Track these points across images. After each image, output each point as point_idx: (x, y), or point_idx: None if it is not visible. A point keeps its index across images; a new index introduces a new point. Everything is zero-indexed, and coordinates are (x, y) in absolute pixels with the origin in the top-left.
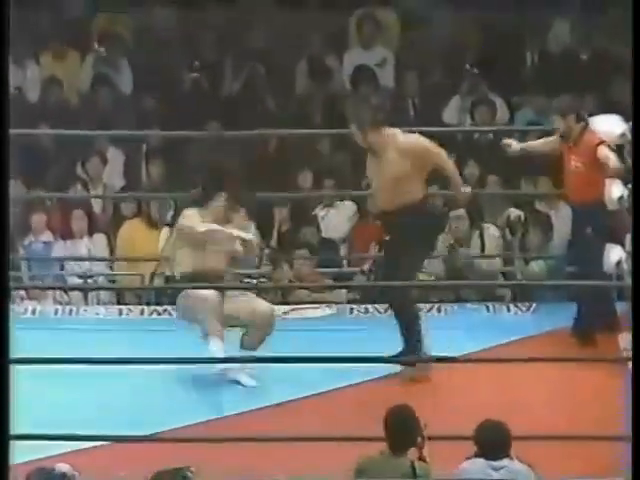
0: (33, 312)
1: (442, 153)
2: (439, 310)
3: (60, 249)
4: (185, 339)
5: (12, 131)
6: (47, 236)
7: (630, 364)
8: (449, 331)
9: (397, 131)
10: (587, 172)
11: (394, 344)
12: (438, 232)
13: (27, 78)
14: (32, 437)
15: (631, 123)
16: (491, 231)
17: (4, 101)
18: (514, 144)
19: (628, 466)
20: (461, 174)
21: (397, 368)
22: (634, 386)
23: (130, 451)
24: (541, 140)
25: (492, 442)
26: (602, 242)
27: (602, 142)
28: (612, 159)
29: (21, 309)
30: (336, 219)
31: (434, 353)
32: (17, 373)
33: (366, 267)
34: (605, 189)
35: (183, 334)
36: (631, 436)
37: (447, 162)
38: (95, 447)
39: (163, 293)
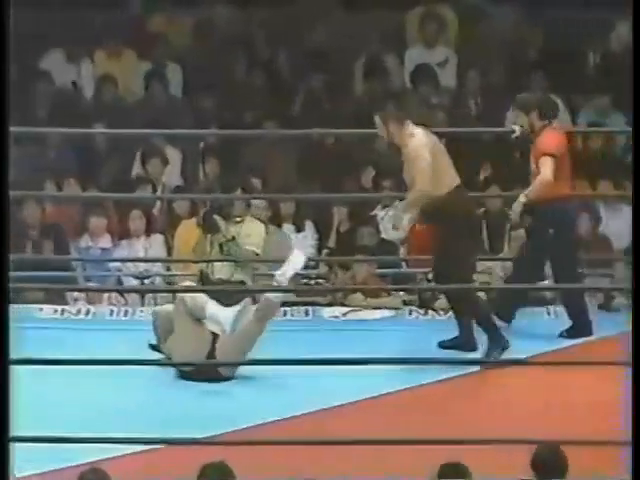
0: (87, 313)
1: (421, 171)
2: None
3: (118, 255)
4: None
5: (68, 130)
6: (106, 241)
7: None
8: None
9: (419, 130)
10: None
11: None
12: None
13: (82, 76)
14: (32, 440)
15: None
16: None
17: (4, 101)
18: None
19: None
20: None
21: (467, 369)
22: (634, 388)
23: (182, 454)
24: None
25: (549, 468)
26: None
27: (547, 154)
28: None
29: (74, 310)
30: (395, 220)
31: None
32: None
33: (431, 275)
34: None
35: None
36: (631, 440)
37: (420, 182)
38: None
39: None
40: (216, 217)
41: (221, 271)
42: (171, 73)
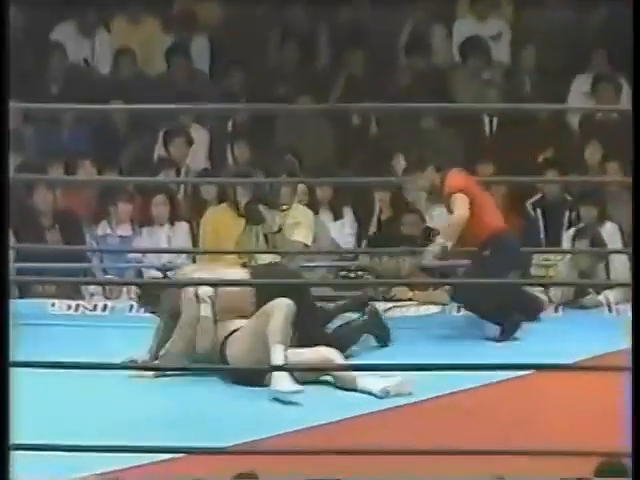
0: (104, 309)
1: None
2: (556, 310)
3: (139, 244)
4: None
5: (81, 107)
6: (125, 229)
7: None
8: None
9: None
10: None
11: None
12: None
13: (96, 49)
14: (34, 448)
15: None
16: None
17: (4, 97)
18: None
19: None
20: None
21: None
22: (634, 391)
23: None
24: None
25: None
26: None
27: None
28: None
29: (90, 306)
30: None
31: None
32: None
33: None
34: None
35: None
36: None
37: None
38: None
39: None
40: (261, 207)
41: None
42: (197, 46)
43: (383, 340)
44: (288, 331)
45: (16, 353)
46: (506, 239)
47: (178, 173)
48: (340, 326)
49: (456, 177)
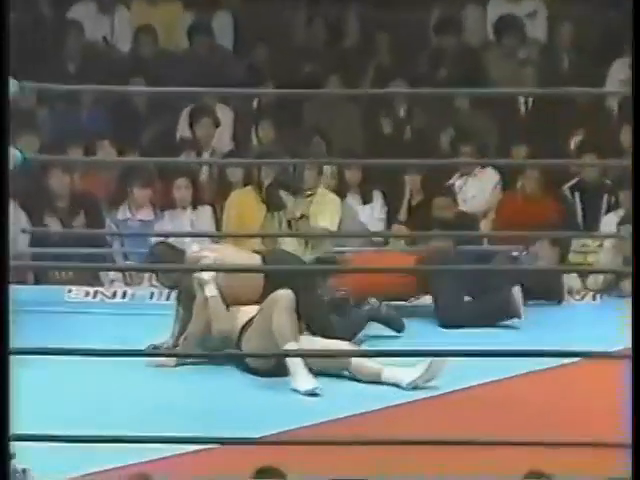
0: (124, 296)
1: None
2: (594, 297)
3: (160, 229)
4: None
5: (100, 87)
6: (147, 213)
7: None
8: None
9: None
10: None
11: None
12: None
13: (115, 27)
14: (36, 438)
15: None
16: None
17: (4, 94)
18: None
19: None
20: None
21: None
22: (634, 389)
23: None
24: None
25: None
26: None
27: None
28: None
29: (109, 292)
30: (476, 190)
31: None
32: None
33: (515, 252)
34: None
35: None
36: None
37: None
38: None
39: None
40: (282, 192)
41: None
42: (220, 22)
43: (396, 328)
44: (293, 322)
45: (29, 341)
46: None
47: (200, 155)
48: (345, 314)
49: None
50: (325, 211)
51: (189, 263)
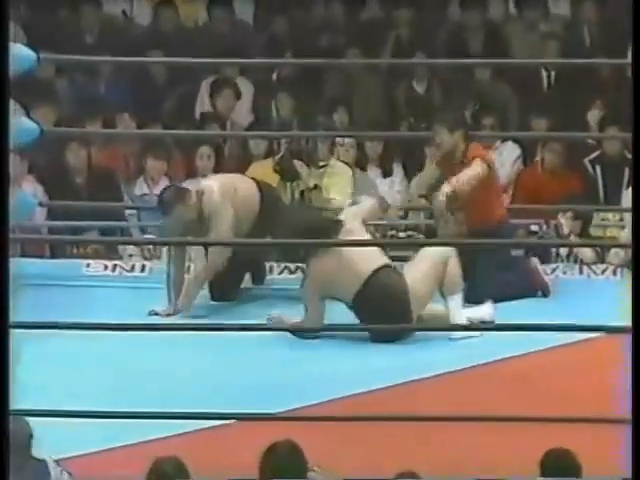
0: (142, 269)
1: None
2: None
3: None
4: None
5: (120, 59)
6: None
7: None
8: None
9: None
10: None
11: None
12: None
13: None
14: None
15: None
16: None
17: (4, 93)
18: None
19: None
20: None
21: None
22: (634, 386)
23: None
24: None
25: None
26: None
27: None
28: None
29: (128, 266)
30: (497, 163)
31: None
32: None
33: (535, 226)
34: None
35: None
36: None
37: None
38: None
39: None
40: (295, 162)
41: None
42: None
43: None
44: None
45: (47, 315)
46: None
47: (223, 128)
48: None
49: (480, 148)
50: (336, 183)
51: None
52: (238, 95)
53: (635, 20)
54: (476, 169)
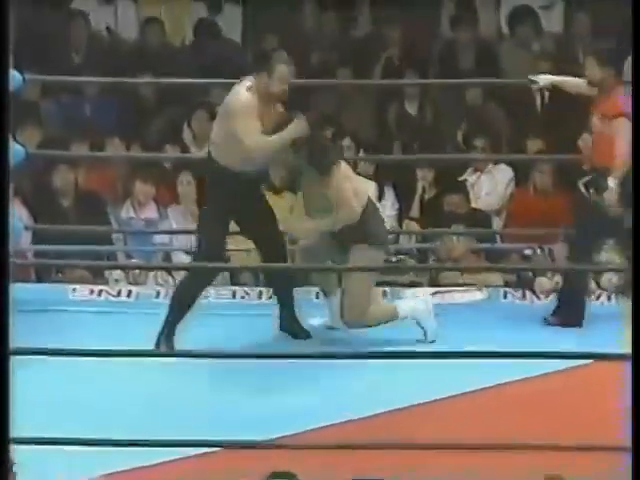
0: (129, 295)
1: None
2: (609, 298)
3: (166, 227)
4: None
5: (106, 79)
6: (151, 210)
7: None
8: None
9: None
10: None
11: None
12: None
13: (119, 17)
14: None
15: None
16: None
17: (4, 93)
18: (542, 78)
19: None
20: None
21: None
22: (634, 390)
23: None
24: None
25: None
26: None
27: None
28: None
29: (114, 291)
30: (488, 186)
31: None
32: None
33: (528, 251)
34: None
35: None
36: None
37: None
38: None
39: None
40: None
41: None
42: (229, 14)
43: None
44: None
45: (33, 340)
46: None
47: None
48: None
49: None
50: None
51: None
52: (213, 116)
53: (635, 21)
54: (622, 129)
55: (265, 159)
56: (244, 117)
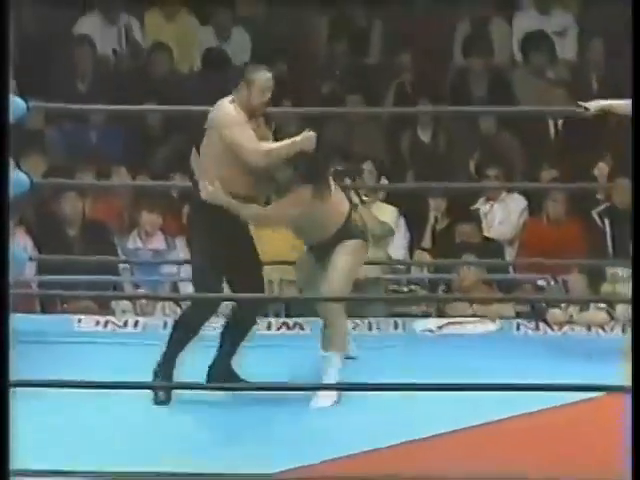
0: (135, 325)
1: None
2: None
3: (174, 257)
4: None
5: (112, 107)
6: (159, 240)
7: None
8: None
9: None
10: None
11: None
12: None
13: (128, 42)
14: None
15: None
16: None
17: (4, 94)
18: (593, 104)
19: None
20: None
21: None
22: (634, 392)
23: None
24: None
25: None
26: None
27: None
28: None
29: (120, 322)
30: (501, 216)
31: None
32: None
33: (541, 281)
34: None
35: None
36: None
37: None
38: None
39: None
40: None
41: None
42: (237, 39)
43: None
44: None
45: (38, 373)
46: None
47: None
48: None
49: None
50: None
51: None
52: None
53: (635, 21)
54: None
55: (267, 167)
56: (238, 127)
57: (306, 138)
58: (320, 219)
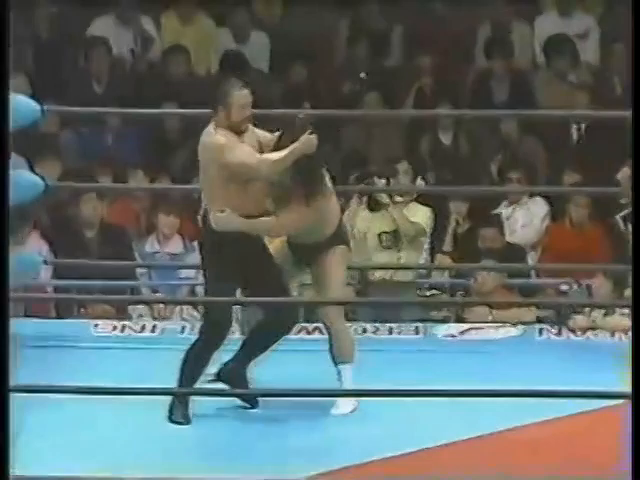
0: (153, 330)
1: None
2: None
3: (192, 260)
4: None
5: (127, 111)
6: (176, 244)
7: None
8: None
9: None
10: None
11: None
12: None
13: (144, 44)
14: None
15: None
16: None
17: (4, 97)
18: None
19: None
20: None
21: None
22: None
23: None
24: None
25: None
26: None
27: None
28: None
29: (137, 327)
30: (524, 220)
31: None
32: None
33: (565, 286)
34: None
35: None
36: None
37: None
38: None
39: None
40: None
41: None
42: (256, 42)
43: None
44: None
45: (55, 377)
46: None
47: None
48: None
49: None
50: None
51: None
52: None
53: (635, 21)
54: None
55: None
56: (233, 149)
57: (307, 141)
58: (320, 221)
